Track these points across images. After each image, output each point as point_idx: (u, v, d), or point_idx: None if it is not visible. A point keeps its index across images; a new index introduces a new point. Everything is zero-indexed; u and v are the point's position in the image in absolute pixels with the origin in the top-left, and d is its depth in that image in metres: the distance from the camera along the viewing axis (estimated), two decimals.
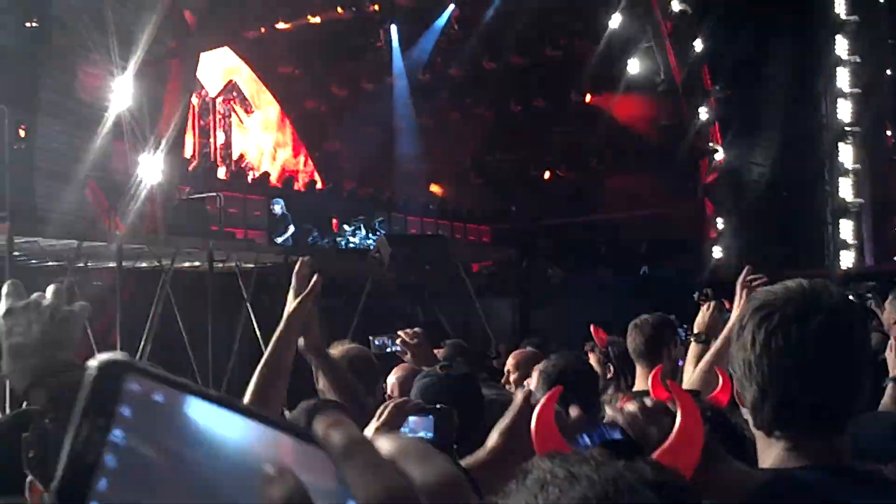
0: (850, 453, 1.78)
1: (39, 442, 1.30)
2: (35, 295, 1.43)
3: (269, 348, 2.70)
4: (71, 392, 1.31)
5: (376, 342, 4.54)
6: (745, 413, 1.78)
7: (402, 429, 2.12)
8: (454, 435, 2.14)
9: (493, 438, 1.88)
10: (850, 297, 1.89)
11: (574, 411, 1.66)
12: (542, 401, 1.64)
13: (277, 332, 2.72)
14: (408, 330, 4.39)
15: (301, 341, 2.79)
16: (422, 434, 2.12)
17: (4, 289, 1.43)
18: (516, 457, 1.93)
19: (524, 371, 4.90)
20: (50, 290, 1.45)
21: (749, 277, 3.45)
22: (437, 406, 2.27)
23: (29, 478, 1.37)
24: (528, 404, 1.81)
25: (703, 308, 4.05)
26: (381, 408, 2.16)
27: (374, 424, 2.12)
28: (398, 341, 4.36)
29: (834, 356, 1.69)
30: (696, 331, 4.00)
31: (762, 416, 1.70)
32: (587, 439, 1.57)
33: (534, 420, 1.60)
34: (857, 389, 1.74)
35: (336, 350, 3.79)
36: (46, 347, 1.39)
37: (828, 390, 1.69)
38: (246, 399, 2.59)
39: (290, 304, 2.74)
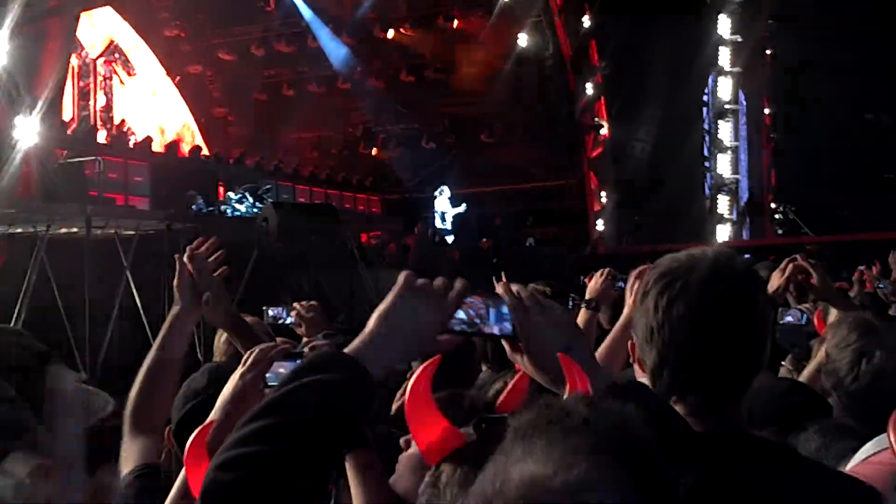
0: (745, 420, 1.79)
1: None
2: None
3: (158, 343, 2.60)
4: None
5: (270, 312, 4.46)
6: (644, 378, 1.76)
7: (268, 375, 2.08)
8: None
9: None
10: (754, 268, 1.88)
11: None
12: (419, 371, 1.58)
13: (166, 329, 2.62)
14: (303, 302, 4.36)
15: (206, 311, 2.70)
16: None
17: None
18: None
19: None
20: None
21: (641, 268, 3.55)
22: (305, 351, 2.25)
23: None
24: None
25: (597, 275, 4.02)
26: (247, 353, 2.13)
27: (239, 370, 2.08)
28: (293, 313, 4.32)
29: (734, 325, 1.68)
30: (587, 297, 3.98)
31: (661, 382, 1.69)
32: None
33: (409, 389, 1.56)
34: (756, 359, 1.73)
35: None
36: None
37: (727, 359, 1.68)
38: (133, 394, 2.52)
39: (182, 302, 2.64)
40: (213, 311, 2.72)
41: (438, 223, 23.84)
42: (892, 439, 1.67)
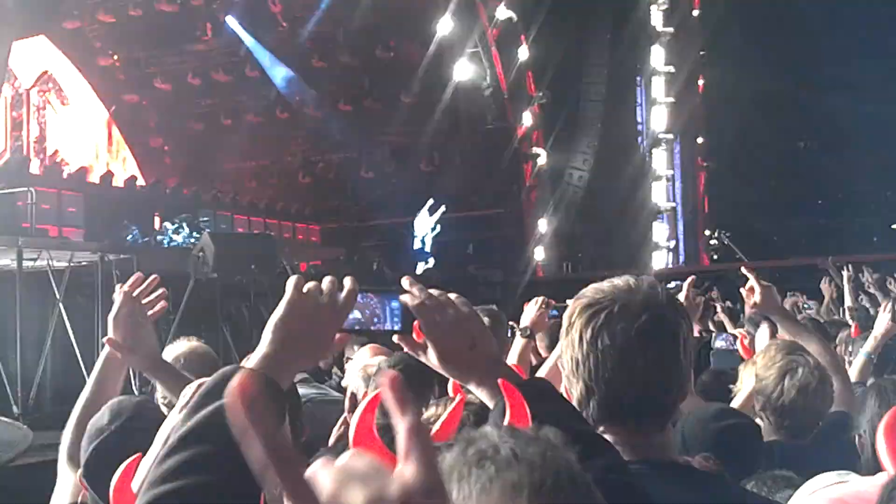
0: (675, 447, 1.81)
1: None
2: None
3: (94, 378, 2.56)
4: None
5: None
6: None
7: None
8: None
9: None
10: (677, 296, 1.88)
11: None
12: (363, 405, 1.54)
13: (101, 363, 2.56)
14: None
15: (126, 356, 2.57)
16: None
17: None
18: None
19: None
20: None
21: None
22: None
23: None
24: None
25: (532, 304, 4.01)
26: (186, 388, 2.05)
27: (179, 404, 1.96)
28: None
29: (658, 354, 1.68)
30: (521, 325, 3.96)
31: (588, 413, 1.69)
32: None
33: (354, 423, 1.52)
34: (681, 386, 1.73)
35: (182, 348, 3.53)
36: None
37: (651, 387, 1.68)
38: (68, 430, 2.48)
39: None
40: (133, 352, 2.57)
41: (417, 244, 23.71)
42: (886, 449, 1.63)
